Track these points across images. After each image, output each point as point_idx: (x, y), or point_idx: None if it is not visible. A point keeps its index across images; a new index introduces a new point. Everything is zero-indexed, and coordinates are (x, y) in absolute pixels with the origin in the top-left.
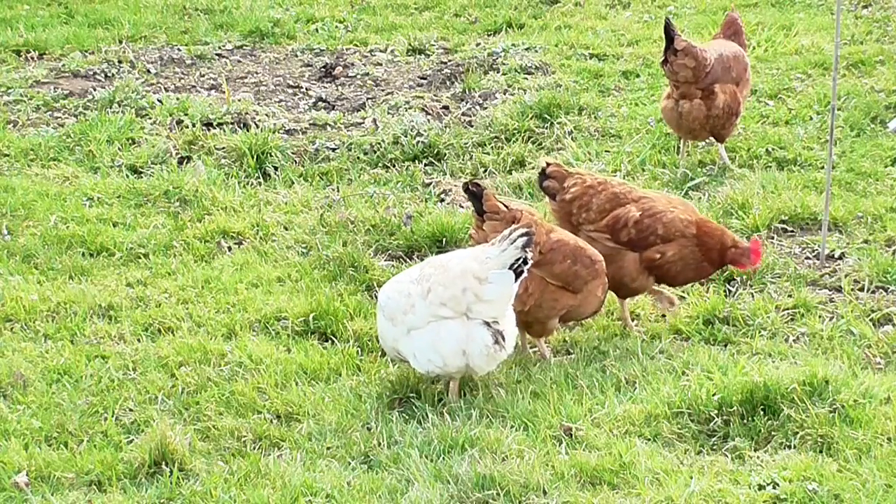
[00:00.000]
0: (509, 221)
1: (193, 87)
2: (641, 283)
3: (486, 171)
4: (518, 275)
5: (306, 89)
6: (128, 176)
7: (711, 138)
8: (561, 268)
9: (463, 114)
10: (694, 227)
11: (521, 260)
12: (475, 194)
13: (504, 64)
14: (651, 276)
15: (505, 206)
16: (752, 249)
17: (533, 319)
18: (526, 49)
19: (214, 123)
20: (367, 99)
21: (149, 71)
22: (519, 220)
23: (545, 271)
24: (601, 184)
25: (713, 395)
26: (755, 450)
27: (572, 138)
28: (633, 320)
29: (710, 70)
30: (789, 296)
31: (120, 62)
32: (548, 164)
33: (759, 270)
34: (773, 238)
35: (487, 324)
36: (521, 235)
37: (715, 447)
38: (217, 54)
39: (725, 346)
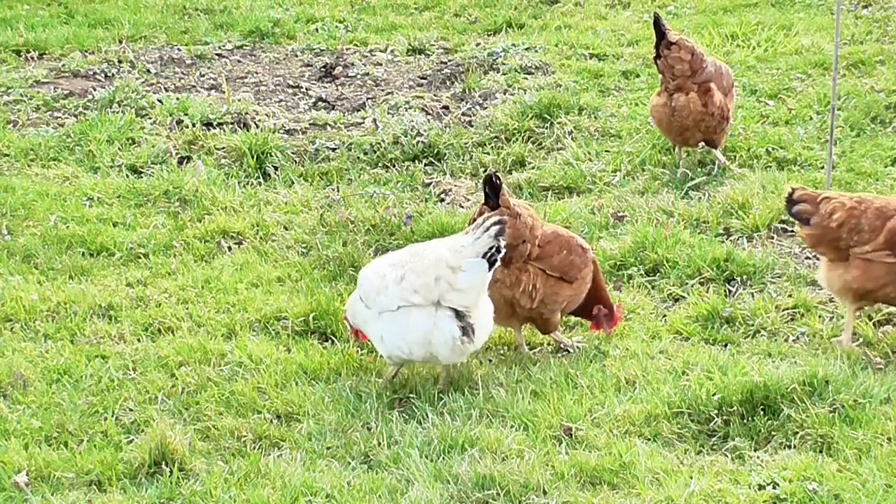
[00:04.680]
0: (514, 217)
1: (193, 87)
2: None
3: (486, 171)
4: (491, 264)
5: (306, 89)
6: (128, 176)
7: (703, 144)
8: (559, 259)
9: (463, 114)
10: None
11: (494, 248)
12: (496, 188)
13: (504, 64)
14: None
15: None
16: None
17: (537, 315)
18: (526, 49)
19: (214, 123)
20: (367, 99)
21: (149, 71)
22: (520, 215)
23: (545, 264)
24: (860, 202)
25: (713, 395)
26: (755, 450)
27: (572, 138)
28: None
29: (706, 66)
30: (789, 296)
31: (120, 62)
32: (793, 190)
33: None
34: (773, 238)
35: (459, 315)
36: (494, 224)
37: (715, 447)
38: (217, 54)
39: (725, 346)
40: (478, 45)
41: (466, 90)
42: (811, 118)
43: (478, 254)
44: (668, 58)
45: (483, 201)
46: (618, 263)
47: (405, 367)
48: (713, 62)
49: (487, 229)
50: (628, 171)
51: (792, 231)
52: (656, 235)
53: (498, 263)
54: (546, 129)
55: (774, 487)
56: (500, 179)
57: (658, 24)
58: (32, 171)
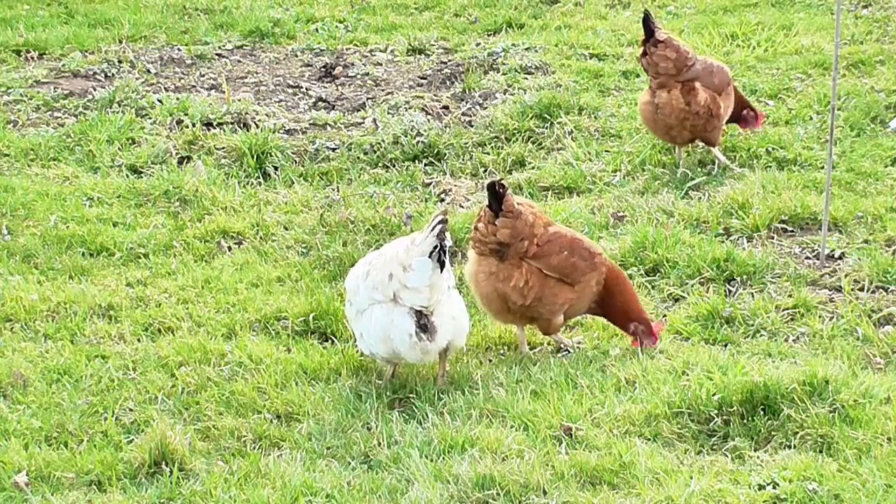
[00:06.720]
0: (515, 217)
1: (193, 87)
2: None
3: (486, 171)
4: (441, 264)
5: (306, 89)
6: (128, 176)
7: (700, 142)
8: (558, 259)
9: (463, 114)
10: None
11: (439, 248)
12: (499, 196)
13: (504, 64)
14: None
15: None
16: None
17: (536, 315)
18: (526, 49)
19: (214, 123)
20: (367, 99)
21: (149, 71)
22: (521, 214)
23: (542, 263)
24: None
25: (713, 395)
26: (755, 450)
27: (572, 138)
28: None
29: (692, 65)
30: (789, 296)
31: (120, 62)
32: None
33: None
34: (773, 238)
35: (419, 313)
36: (438, 223)
37: (715, 447)
38: (217, 54)
39: (725, 346)
40: (478, 45)
41: (466, 90)
42: (811, 118)
43: (424, 253)
44: (653, 55)
45: (486, 205)
46: (618, 263)
47: (405, 368)
48: (704, 61)
49: (433, 228)
50: (628, 171)
51: (792, 231)
52: (656, 235)
53: (447, 264)
54: (546, 129)
55: (774, 487)
56: (504, 188)
57: (647, 22)
58: (32, 171)
